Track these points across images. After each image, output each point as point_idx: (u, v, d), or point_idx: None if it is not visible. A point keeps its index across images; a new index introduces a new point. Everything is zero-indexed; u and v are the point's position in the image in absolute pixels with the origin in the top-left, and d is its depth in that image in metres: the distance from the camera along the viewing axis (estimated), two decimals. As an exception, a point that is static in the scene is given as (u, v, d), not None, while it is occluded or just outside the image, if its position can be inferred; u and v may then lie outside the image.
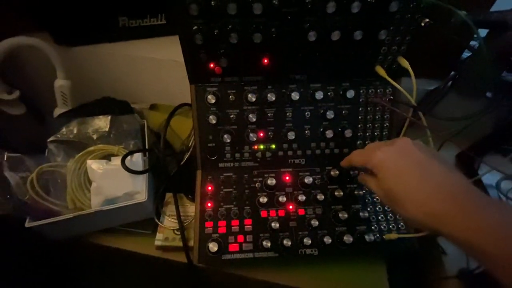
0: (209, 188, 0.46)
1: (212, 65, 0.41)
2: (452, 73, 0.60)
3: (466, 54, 0.60)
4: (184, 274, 0.47)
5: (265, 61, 0.41)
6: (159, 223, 0.48)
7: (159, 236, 0.46)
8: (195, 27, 0.37)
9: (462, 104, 0.60)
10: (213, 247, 0.40)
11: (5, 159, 0.43)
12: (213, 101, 0.43)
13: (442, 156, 0.30)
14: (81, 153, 0.46)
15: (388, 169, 0.30)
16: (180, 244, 0.45)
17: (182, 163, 0.55)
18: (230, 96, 0.44)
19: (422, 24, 0.37)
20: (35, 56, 0.68)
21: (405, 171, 0.29)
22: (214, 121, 0.44)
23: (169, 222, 0.48)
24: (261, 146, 0.47)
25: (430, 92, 0.62)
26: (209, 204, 0.45)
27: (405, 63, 0.42)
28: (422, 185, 0.27)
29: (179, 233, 0.46)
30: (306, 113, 0.46)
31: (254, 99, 0.43)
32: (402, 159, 0.30)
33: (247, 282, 0.44)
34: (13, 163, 0.43)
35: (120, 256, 0.49)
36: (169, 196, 0.51)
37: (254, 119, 0.44)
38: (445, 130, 0.50)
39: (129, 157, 0.47)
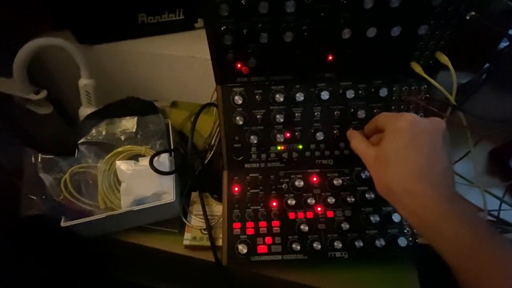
0: (236, 189, 0.46)
1: (239, 65, 0.40)
2: (487, 65, 0.56)
3: (503, 44, 0.56)
4: (211, 272, 0.48)
5: (295, 60, 0.40)
6: (186, 222, 0.48)
7: (187, 235, 0.47)
8: (224, 27, 0.35)
9: (497, 98, 0.57)
10: (242, 249, 0.40)
11: (39, 160, 0.44)
12: (240, 101, 0.42)
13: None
14: (110, 154, 0.47)
15: (401, 135, 0.30)
16: (208, 243, 0.46)
17: (205, 162, 0.55)
18: (257, 96, 0.43)
19: (468, 18, 0.35)
20: (59, 56, 0.69)
21: (416, 145, 0.29)
22: (241, 122, 0.43)
23: (196, 221, 0.49)
24: (288, 147, 0.46)
25: (463, 85, 0.59)
26: (236, 205, 0.45)
27: (444, 59, 0.40)
28: (420, 165, 0.28)
29: (206, 232, 0.47)
30: (336, 113, 0.44)
31: (281, 99, 0.42)
32: (423, 135, 0.30)
33: (275, 283, 0.44)
34: (46, 165, 0.44)
35: (147, 254, 0.50)
36: (194, 195, 0.52)
37: (282, 120, 0.43)
38: (479, 126, 0.47)
39: (156, 158, 0.48)
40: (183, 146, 0.61)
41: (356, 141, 0.37)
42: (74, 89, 0.61)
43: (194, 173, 0.54)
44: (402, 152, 0.29)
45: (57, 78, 0.76)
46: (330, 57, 0.40)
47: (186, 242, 0.46)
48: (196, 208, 0.50)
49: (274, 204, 0.44)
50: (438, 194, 0.27)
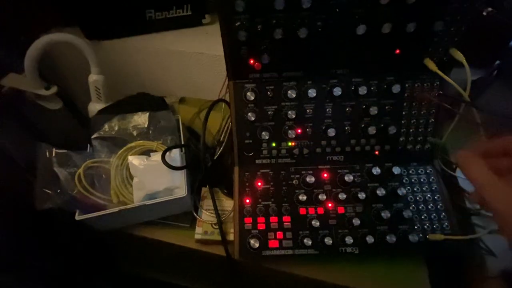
0: (247, 184, 0.46)
1: (252, 61, 0.40)
2: (497, 62, 0.56)
3: (515, 41, 0.55)
4: (222, 267, 0.48)
5: (308, 56, 0.40)
6: (197, 217, 0.49)
7: (198, 230, 0.48)
8: (239, 23, 0.35)
9: (508, 96, 0.56)
10: (254, 243, 0.41)
11: (53, 155, 0.45)
12: (252, 98, 0.42)
13: None
14: (122, 149, 0.47)
15: None
16: (219, 237, 0.46)
17: (215, 157, 0.55)
18: (269, 92, 0.44)
19: (484, 14, 0.34)
20: (68, 52, 0.70)
21: None
22: (253, 118, 0.43)
23: (207, 216, 0.49)
24: (299, 143, 0.46)
25: (473, 82, 0.58)
26: (247, 201, 0.45)
27: (459, 55, 0.39)
28: None
29: (217, 227, 0.47)
30: (347, 109, 0.44)
31: (293, 95, 0.42)
32: None
33: (286, 277, 0.45)
34: (61, 159, 0.45)
35: (159, 248, 0.51)
36: (205, 190, 0.52)
37: (293, 116, 0.43)
38: (491, 124, 0.47)
39: (167, 153, 0.48)
40: (193, 142, 0.62)
41: (476, 170, 0.26)
42: (84, 85, 0.62)
43: (205, 168, 0.54)
44: None
45: (66, 74, 0.77)
46: (344, 53, 0.40)
47: (197, 237, 0.47)
48: (207, 203, 0.51)
49: (285, 199, 0.45)
50: None
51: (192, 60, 0.69)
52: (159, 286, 0.71)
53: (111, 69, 0.69)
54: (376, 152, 0.46)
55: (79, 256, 0.57)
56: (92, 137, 0.47)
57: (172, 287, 0.69)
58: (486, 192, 0.25)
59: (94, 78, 0.62)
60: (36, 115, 0.64)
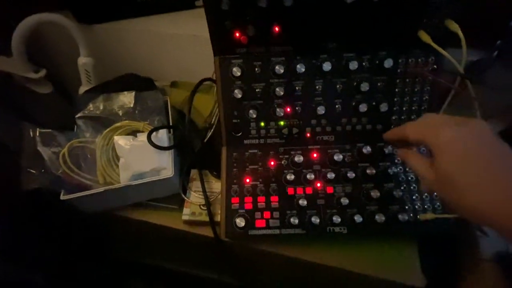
0: (235, 164, 0.45)
1: (237, 34, 0.39)
2: (499, 42, 0.54)
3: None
4: (211, 248, 0.48)
5: (296, 28, 0.38)
6: (185, 198, 0.48)
7: (186, 211, 0.47)
8: (221, -10, 0.34)
9: (509, 77, 0.54)
10: (240, 222, 0.40)
11: (37, 134, 0.44)
12: (239, 74, 0.41)
13: None
14: (108, 129, 0.46)
15: (454, 153, 0.25)
16: (207, 218, 0.46)
17: (205, 140, 0.54)
18: (256, 69, 0.42)
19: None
20: (58, 34, 0.68)
21: (476, 159, 0.24)
22: (239, 95, 0.42)
23: (195, 197, 0.48)
24: (288, 122, 0.45)
25: (473, 63, 0.56)
26: (234, 181, 0.44)
27: (454, 26, 0.37)
28: (494, 179, 0.24)
29: (205, 208, 0.47)
30: (338, 86, 0.43)
31: (282, 71, 0.41)
32: (476, 145, 0.25)
33: (274, 257, 0.44)
34: (45, 139, 0.44)
35: (148, 230, 0.51)
36: (194, 172, 0.52)
37: (282, 93, 0.42)
38: (491, 104, 0.45)
39: (154, 133, 0.47)
40: (183, 124, 0.61)
41: (414, 162, 0.30)
42: (75, 69, 0.60)
43: (194, 150, 0.53)
44: (462, 173, 0.25)
45: (57, 58, 0.75)
46: (333, 25, 0.38)
47: (185, 217, 0.47)
48: (196, 185, 0.50)
49: (273, 179, 0.44)
50: None
51: (185, 43, 0.68)
52: (149, 268, 0.71)
53: (103, 53, 0.68)
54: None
55: (67, 240, 0.57)
56: (77, 116, 0.46)
57: (162, 269, 0.69)
58: (422, 181, 0.29)
59: (83, 61, 0.61)
60: (26, 99, 0.63)
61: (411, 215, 0.41)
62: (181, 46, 0.68)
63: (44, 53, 0.74)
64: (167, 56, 0.71)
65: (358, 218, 0.40)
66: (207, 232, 0.46)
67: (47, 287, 0.56)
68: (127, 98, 0.48)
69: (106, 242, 0.69)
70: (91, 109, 0.46)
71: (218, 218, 0.46)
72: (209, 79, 0.49)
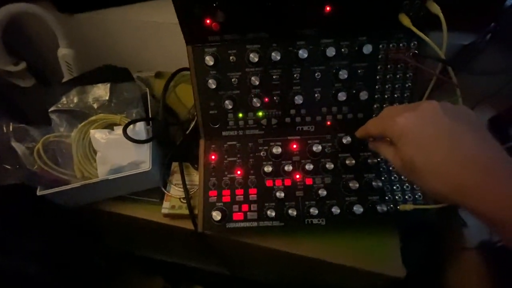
0: (213, 157, 0.44)
1: (208, 21, 0.37)
2: (492, 24, 0.51)
3: (511, 1, 0.50)
4: (192, 240, 0.48)
5: (269, 13, 0.36)
6: (165, 191, 0.48)
7: (165, 204, 0.47)
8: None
9: (502, 61, 0.52)
10: (216, 215, 0.40)
11: (10, 129, 0.43)
12: (212, 63, 0.39)
13: (475, 118, 0.25)
14: (83, 123, 0.45)
15: (410, 138, 0.26)
16: (187, 212, 0.45)
17: (187, 132, 0.53)
18: (231, 57, 0.40)
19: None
20: (38, 25, 0.66)
21: (431, 140, 0.25)
22: (214, 86, 0.40)
23: (175, 191, 0.48)
24: (266, 112, 0.44)
25: (464, 47, 0.54)
26: (212, 173, 0.43)
27: (435, 8, 0.35)
28: (451, 156, 0.24)
29: (185, 201, 0.46)
30: (316, 74, 0.41)
31: (256, 59, 0.39)
32: (428, 127, 0.25)
33: (254, 248, 0.44)
34: (18, 134, 0.43)
35: (132, 222, 0.51)
36: (175, 165, 0.51)
37: (257, 82, 0.40)
38: (479, 90, 0.43)
39: (131, 126, 0.46)
40: (166, 116, 0.60)
41: (384, 150, 0.31)
42: (57, 61, 0.59)
43: (175, 142, 0.53)
44: (421, 157, 0.25)
45: (38, 50, 0.74)
46: (309, 9, 0.36)
47: (164, 211, 0.46)
48: (176, 178, 0.49)
49: (252, 172, 0.43)
50: (490, 170, 0.22)
51: (169, 32, 0.65)
52: (143, 259, 0.72)
53: (86, 43, 0.66)
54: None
55: (49, 233, 0.57)
56: (50, 110, 0.45)
57: (154, 259, 0.70)
58: (396, 168, 0.29)
59: (63, 52, 0.59)
60: (8, 94, 0.62)
61: (391, 205, 0.40)
62: (166, 35, 0.66)
63: (25, 45, 0.72)
64: (152, 46, 0.69)
65: (335, 210, 0.39)
66: (188, 225, 0.46)
67: (40, 278, 0.57)
68: (102, 91, 0.46)
69: (97, 234, 0.69)
70: (65, 102, 0.45)
71: (198, 211, 0.45)
72: (186, 68, 0.48)
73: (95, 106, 0.46)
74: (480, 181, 0.22)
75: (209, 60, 0.39)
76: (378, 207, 0.39)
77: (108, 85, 0.47)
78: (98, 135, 0.45)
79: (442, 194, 0.24)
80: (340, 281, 0.51)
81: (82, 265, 0.69)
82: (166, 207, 0.46)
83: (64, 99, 0.45)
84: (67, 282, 0.64)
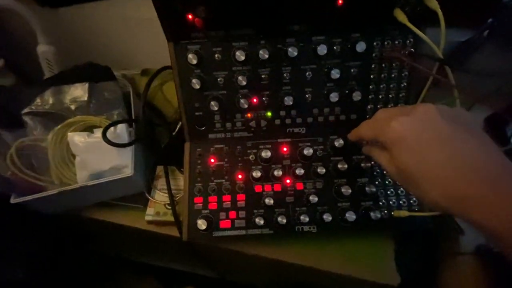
0: (199, 161, 0.42)
1: (190, 16, 0.34)
2: (490, 20, 0.49)
3: (510, -4, 0.48)
4: (178, 247, 0.46)
5: (256, 7, 0.33)
6: (149, 197, 0.45)
7: (149, 211, 0.44)
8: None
9: (500, 59, 0.50)
10: (201, 224, 0.37)
11: (-20, 133, 0.40)
12: (195, 61, 0.37)
13: (473, 122, 0.24)
14: (60, 126, 0.42)
15: (405, 145, 0.24)
16: (172, 218, 0.43)
17: (174, 133, 0.51)
18: (216, 55, 0.38)
19: None
20: (17, 20, 0.62)
21: (428, 147, 0.23)
22: (198, 86, 0.38)
23: (160, 196, 0.46)
24: (255, 114, 0.41)
25: (462, 44, 0.52)
26: (198, 179, 0.41)
27: (433, 3, 0.33)
28: (450, 164, 0.22)
29: (170, 207, 0.44)
30: (307, 73, 0.39)
31: (243, 58, 0.36)
32: (425, 132, 0.23)
33: (242, 256, 0.42)
34: (-11, 138, 0.41)
35: (115, 228, 0.48)
36: (160, 169, 0.48)
37: (245, 82, 0.38)
38: (476, 89, 0.42)
39: (112, 129, 0.43)
40: (152, 116, 0.57)
41: (377, 156, 0.29)
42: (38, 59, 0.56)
43: (160, 145, 0.50)
44: (416, 165, 0.23)
45: (19, 47, 0.70)
46: (299, 3, 0.33)
47: (148, 218, 0.44)
48: (161, 183, 0.47)
49: (240, 176, 0.41)
50: (490, 179, 0.21)
51: (158, 28, 0.62)
52: (135, 262, 0.70)
53: (67, 39, 0.62)
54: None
55: (51, 236, 0.55)
56: (23, 112, 0.42)
57: (146, 263, 0.68)
58: (389, 174, 0.29)
59: (43, 49, 0.56)
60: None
61: (385, 212, 0.39)
62: (154, 31, 0.63)
63: (4, 41, 0.68)
64: (138, 42, 0.66)
65: (327, 217, 0.37)
66: (174, 231, 0.44)
67: (27, 282, 0.55)
68: (79, 91, 0.43)
69: (83, 238, 0.67)
70: (39, 104, 0.42)
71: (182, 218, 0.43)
72: (170, 67, 0.45)
73: (72, 107, 0.43)
74: (484, 192, 0.20)
75: (192, 59, 0.36)
76: (372, 214, 0.37)
77: (87, 84, 0.44)
78: (76, 139, 0.43)
79: (439, 205, 0.22)
80: (333, 287, 0.50)
81: (71, 268, 0.67)
82: (150, 214, 0.44)
83: (38, 100, 0.42)
84: (55, 286, 0.62)
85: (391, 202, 0.39)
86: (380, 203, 0.39)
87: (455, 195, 0.21)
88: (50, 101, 0.42)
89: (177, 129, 0.51)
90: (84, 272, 0.70)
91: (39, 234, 0.57)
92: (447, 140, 0.23)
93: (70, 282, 0.65)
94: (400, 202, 0.39)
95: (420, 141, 0.23)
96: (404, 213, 0.37)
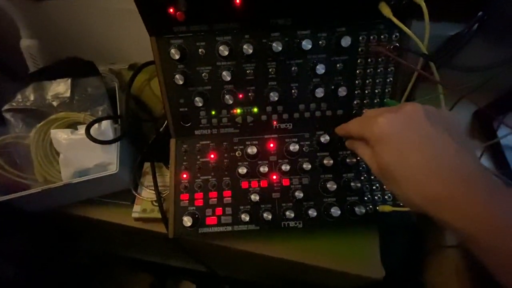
0: (185, 158, 0.42)
1: (171, 10, 0.33)
2: (480, 13, 0.49)
3: (500, -12, 0.47)
4: (167, 243, 0.46)
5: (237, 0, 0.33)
6: (136, 194, 0.45)
7: (136, 208, 0.44)
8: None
9: (488, 54, 0.50)
10: (187, 221, 0.37)
11: (-40, 131, 0.39)
12: (178, 56, 0.36)
13: (457, 125, 0.24)
14: (42, 123, 0.42)
15: (387, 142, 0.24)
16: (159, 215, 0.43)
17: (161, 129, 0.50)
18: (200, 50, 0.37)
19: None
20: (0, 16, 0.61)
21: (410, 146, 0.23)
22: (181, 82, 0.37)
23: (147, 193, 0.45)
24: (241, 110, 0.41)
25: (450, 38, 0.52)
26: (184, 176, 0.41)
27: (418, -4, 0.33)
28: (429, 165, 0.22)
29: (157, 204, 0.44)
30: (293, 68, 0.38)
31: (227, 53, 0.36)
32: (409, 131, 0.24)
33: (229, 251, 0.42)
34: (-31, 135, 0.40)
35: (103, 225, 0.48)
36: (147, 165, 0.48)
37: (229, 78, 0.37)
38: (463, 84, 0.42)
39: (96, 125, 0.43)
40: (140, 112, 0.56)
41: (360, 151, 0.29)
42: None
43: (147, 141, 0.49)
44: (396, 163, 0.24)
45: (4, 43, 0.68)
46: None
47: (135, 215, 0.44)
48: (148, 179, 0.47)
49: (226, 173, 0.41)
50: (465, 182, 0.21)
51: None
52: (118, 257, 0.70)
53: (52, 33, 0.60)
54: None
55: (40, 233, 0.54)
56: (3, 109, 0.41)
57: (131, 258, 0.68)
58: (372, 170, 0.27)
59: (26, 43, 0.55)
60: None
61: (370, 206, 0.39)
62: (142, 24, 0.61)
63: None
64: (126, 35, 0.64)
65: (312, 213, 0.37)
66: (161, 228, 0.43)
67: (18, 281, 0.54)
68: (61, 87, 0.42)
69: (74, 235, 0.66)
70: (20, 100, 0.41)
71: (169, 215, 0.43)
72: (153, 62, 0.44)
73: (54, 104, 0.42)
74: (453, 193, 0.21)
75: (175, 54, 0.36)
76: (356, 209, 0.37)
77: (69, 80, 0.43)
78: (59, 136, 0.42)
79: (415, 204, 0.23)
80: (321, 280, 0.51)
81: (63, 265, 0.67)
82: (136, 211, 0.44)
83: (19, 97, 0.41)
84: (47, 283, 0.61)
85: (376, 197, 0.39)
86: (366, 198, 0.39)
87: (429, 195, 0.22)
88: (31, 98, 0.41)
89: (164, 125, 0.50)
90: (76, 269, 0.70)
91: (28, 232, 0.56)
92: (428, 141, 0.23)
93: (61, 279, 0.65)
94: (385, 197, 0.39)
95: (402, 140, 0.24)
96: (388, 208, 0.37)
